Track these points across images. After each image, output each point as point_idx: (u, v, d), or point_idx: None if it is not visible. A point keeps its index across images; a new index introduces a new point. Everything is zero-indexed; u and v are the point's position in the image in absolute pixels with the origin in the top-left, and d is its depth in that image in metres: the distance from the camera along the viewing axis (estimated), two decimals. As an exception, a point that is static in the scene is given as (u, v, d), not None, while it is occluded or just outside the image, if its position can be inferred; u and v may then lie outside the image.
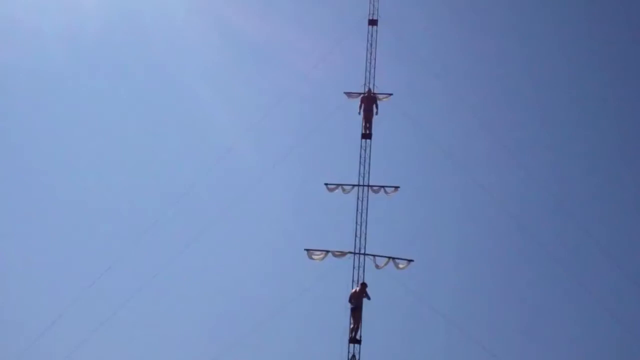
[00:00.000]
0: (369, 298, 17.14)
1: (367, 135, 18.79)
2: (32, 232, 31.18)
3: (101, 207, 32.02)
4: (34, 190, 32.27)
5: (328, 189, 18.42)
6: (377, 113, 18.88)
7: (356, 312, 17.22)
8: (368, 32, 19.53)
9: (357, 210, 18.04)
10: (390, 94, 19.09)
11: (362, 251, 17.72)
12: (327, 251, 17.83)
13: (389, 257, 17.65)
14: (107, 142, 33.50)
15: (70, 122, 33.98)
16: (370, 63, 19.23)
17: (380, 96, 19.00)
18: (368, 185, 18.30)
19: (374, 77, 19.17)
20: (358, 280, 17.52)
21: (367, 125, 18.80)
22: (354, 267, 17.63)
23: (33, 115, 33.68)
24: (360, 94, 19.06)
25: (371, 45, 19.33)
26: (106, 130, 33.56)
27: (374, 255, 17.70)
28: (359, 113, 18.87)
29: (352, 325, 17.12)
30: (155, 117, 34.45)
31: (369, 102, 18.87)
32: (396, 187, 18.35)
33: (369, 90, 18.91)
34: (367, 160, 18.54)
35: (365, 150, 18.63)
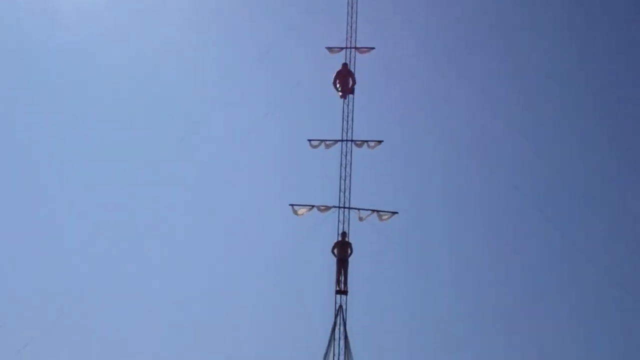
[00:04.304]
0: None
1: (349, 93, 18.86)
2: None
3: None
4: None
5: (311, 145, 18.56)
6: (354, 82, 18.69)
7: (342, 265, 17.59)
8: (349, -14, 19.44)
9: (340, 165, 18.22)
10: (372, 48, 19.09)
11: (347, 205, 17.98)
12: (312, 206, 18.06)
13: (373, 210, 17.93)
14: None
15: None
16: (352, 17, 19.19)
17: (362, 50, 18.99)
18: (351, 140, 18.45)
19: (356, 32, 19.16)
20: (343, 234, 17.91)
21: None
22: (338, 221, 17.91)
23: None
24: (342, 48, 19.04)
25: (352, -1, 19.28)
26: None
27: (358, 209, 17.97)
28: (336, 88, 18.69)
29: (338, 277, 17.48)
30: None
31: (345, 77, 18.71)
32: (379, 141, 18.52)
33: (345, 65, 18.77)
34: (350, 116, 18.66)
35: (347, 105, 18.74)
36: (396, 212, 18.11)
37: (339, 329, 17.08)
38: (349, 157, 18.33)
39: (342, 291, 17.38)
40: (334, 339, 16.96)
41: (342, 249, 17.71)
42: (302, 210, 18.02)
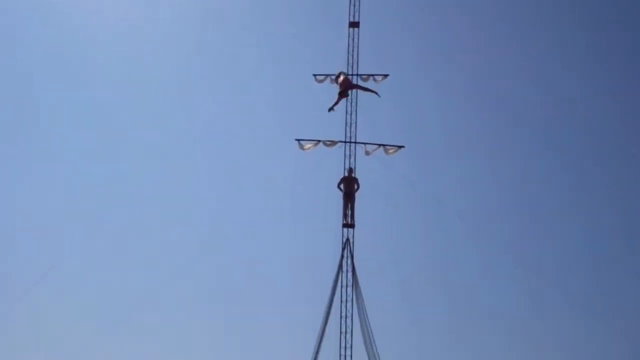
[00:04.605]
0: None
1: (354, 24, 18.60)
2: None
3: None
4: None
5: (317, 80, 18.47)
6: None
7: (349, 199, 17.76)
8: None
9: (346, 99, 18.17)
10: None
11: (353, 139, 18.03)
12: (318, 141, 18.11)
13: (379, 144, 17.99)
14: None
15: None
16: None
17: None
18: (357, 75, 18.35)
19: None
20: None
21: None
22: (345, 155, 17.99)
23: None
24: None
25: None
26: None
27: (364, 143, 18.02)
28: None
29: (345, 211, 17.69)
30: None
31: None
32: (385, 75, 18.42)
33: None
34: (356, 50, 18.49)
35: (353, 39, 18.54)
36: (402, 146, 18.18)
37: (347, 261, 17.39)
38: (354, 91, 18.25)
39: (349, 225, 17.62)
40: (342, 271, 17.29)
41: (349, 184, 17.85)
42: (308, 145, 18.06)
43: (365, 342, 16.79)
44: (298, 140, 18.20)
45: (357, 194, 17.86)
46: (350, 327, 16.88)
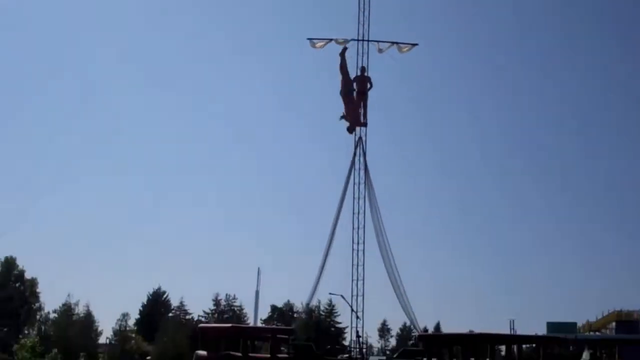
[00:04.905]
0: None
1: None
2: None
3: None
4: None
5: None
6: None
7: (362, 98, 17.69)
8: None
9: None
10: None
11: (366, 38, 17.75)
12: (330, 39, 17.87)
13: (392, 42, 17.72)
14: None
15: None
16: None
17: None
18: (371, -29, 17.90)
19: None
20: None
21: None
22: (357, 54, 17.77)
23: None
24: None
25: None
26: None
27: (377, 41, 17.75)
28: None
29: (358, 110, 17.63)
30: None
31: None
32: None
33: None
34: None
35: None
36: (416, 44, 17.95)
37: (359, 159, 17.53)
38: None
39: (361, 123, 17.61)
40: (354, 169, 17.46)
41: (362, 83, 17.72)
42: (320, 44, 17.81)
43: (377, 238, 17.17)
44: (310, 39, 17.98)
45: (370, 94, 17.78)
46: (362, 223, 17.20)
